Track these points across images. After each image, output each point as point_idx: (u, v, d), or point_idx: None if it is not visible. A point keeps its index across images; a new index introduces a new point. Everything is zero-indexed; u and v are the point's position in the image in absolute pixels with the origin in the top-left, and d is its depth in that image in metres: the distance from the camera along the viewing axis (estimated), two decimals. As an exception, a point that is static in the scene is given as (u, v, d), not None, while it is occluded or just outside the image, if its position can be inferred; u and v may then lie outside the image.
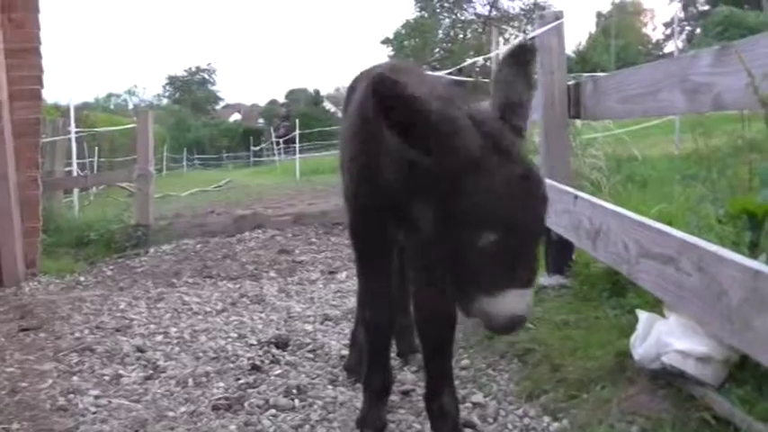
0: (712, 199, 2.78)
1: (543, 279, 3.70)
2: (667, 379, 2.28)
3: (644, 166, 7.30)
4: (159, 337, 3.90)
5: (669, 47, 49.62)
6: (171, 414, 2.81)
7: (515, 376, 2.97)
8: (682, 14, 48.62)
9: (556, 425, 2.44)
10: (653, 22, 60.57)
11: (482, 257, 1.64)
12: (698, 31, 46.25)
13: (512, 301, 1.66)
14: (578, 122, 4.71)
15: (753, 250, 2.11)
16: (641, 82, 2.77)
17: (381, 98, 1.69)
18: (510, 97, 1.86)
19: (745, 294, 1.71)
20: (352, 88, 2.93)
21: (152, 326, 4.16)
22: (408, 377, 3.08)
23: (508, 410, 2.68)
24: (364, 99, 2.19)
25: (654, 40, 56.69)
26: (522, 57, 1.98)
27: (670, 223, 2.60)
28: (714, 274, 1.89)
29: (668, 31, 52.57)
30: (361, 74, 2.96)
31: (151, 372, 3.33)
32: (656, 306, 2.53)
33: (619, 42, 46.73)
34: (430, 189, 1.74)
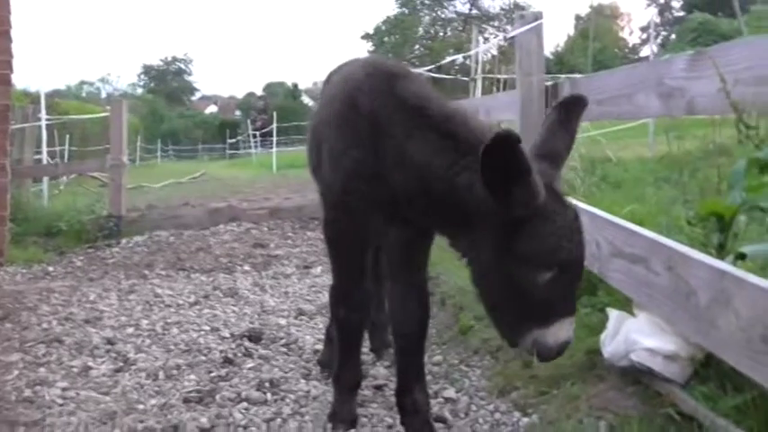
0: (683, 201, 2.82)
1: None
2: (635, 376, 2.32)
3: (618, 168, 7.39)
4: (130, 330, 3.87)
5: (645, 51, 50.23)
6: (141, 407, 2.79)
7: (487, 372, 3.00)
8: (658, 19, 49.23)
9: (526, 420, 2.47)
10: (630, 26, 61.31)
11: (538, 293, 1.81)
12: (673, 36, 46.87)
13: (562, 329, 1.83)
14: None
15: (720, 251, 2.15)
16: (617, 85, 2.80)
17: (504, 150, 1.69)
18: (555, 148, 2.00)
19: (713, 294, 1.75)
20: (328, 80, 2.94)
21: (123, 318, 4.12)
22: (381, 372, 3.10)
23: (479, 406, 2.71)
24: (370, 95, 2.17)
25: (630, 45, 57.34)
26: (573, 108, 2.08)
27: (641, 224, 2.65)
28: (683, 274, 1.93)
29: (644, 36, 53.21)
30: (339, 66, 2.96)
31: (121, 364, 3.30)
32: (626, 305, 2.57)
33: (596, 45, 47.10)
34: (488, 227, 1.86)
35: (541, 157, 1.94)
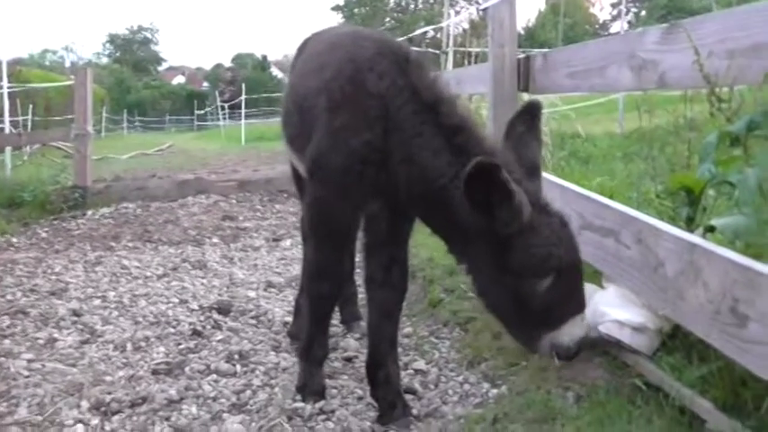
0: (652, 175, 2.84)
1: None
2: (603, 347, 2.35)
3: (587, 143, 7.44)
4: (97, 302, 3.81)
5: (615, 27, 50.49)
6: (108, 378, 2.76)
7: (457, 344, 3.02)
8: (628, -5, 49.39)
9: (495, 391, 2.49)
10: (600, 3, 61.47)
11: (540, 300, 1.89)
12: (643, 13, 47.17)
13: (575, 327, 1.91)
14: (525, 97, 4.75)
15: (689, 225, 2.18)
16: (590, 57, 2.80)
17: (484, 178, 1.76)
18: (533, 160, 2.10)
19: (681, 267, 1.77)
20: (300, 50, 2.88)
21: (89, 290, 4.06)
22: (351, 344, 3.10)
23: (449, 377, 2.73)
24: (382, 76, 2.13)
25: (601, 21, 57.58)
26: (535, 113, 2.17)
27: (611, 198, 2.66)
28: (652, 246, 1.95)
29: (615, 12, 53.43)
30: (313, 35, 2.91)
31: (88, 336, 3.26)
32: (595, 278, 2.59)
33: (567, 21, 47.21)
34: (483, 242, 1.93)
35: (525, 169, 2.01)
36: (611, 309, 2.31)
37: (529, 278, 1.88)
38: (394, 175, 2.14)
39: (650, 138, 3.38)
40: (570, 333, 1.90)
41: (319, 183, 2.34)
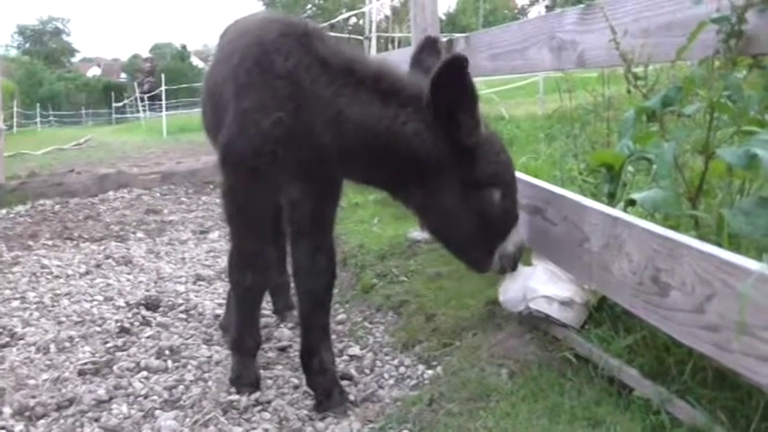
0: (574, 153, 2.92)
1: (416, 233, 3.78)
2: (533, 323, 2.40)
3: (511, 125, 7.58)
4: (15, 303, 3.65)
5: (533, 12, 51.51)
6: (32, 382, 2.65)
7: (391, 328, 3.03)
8: (546, -20, 50.49)
9: (430, 372, 2.51)
10: (519, -13, 62.50)
11: (497, 211, 2.02)
12: (559, -3, 48.24)
13: (516, 234, 2.09)
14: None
15: (611, 200, 2.24)
16: (511, 39, 2.84)
17: (455, 75, 1.85)
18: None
19: (606, 240, 1.82)
20: (223, 37, 2.82)
21: (7, 291, 3.87)
22: (285, 334, 3.07)
23: (384, 361, 2.74)
24: (287, 55, 2.11)
25: (519, 6, 58.70)
26: (434, 46, 2.32)
27: (536, 177, 2.72)
28: (577, 222, 2.01)
29: (533, -3, 54.50)
30: (236, 22, 2.85)
31: (7, 339, 3.11)
32: (523, 255, 2.64)
33: (486, 6, 47.89)
34: (441, 168, 2.00)
35: None
36: (540, 285, 2.36)
37: (490, 187, 2.00)
38: (320, 148, 2.11)
39: (571, 117, 3.47)
40: (514, 241, 2.07)
41: (232, 169, 2.28)
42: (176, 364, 2.79)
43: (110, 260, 4.59)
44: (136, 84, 38.35)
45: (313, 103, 2.08)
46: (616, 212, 1.82)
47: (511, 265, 2.10)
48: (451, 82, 1.85)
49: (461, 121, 1.92)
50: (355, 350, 2.86)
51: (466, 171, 1.98)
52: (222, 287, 3.76)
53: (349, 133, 2.06)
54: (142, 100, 32.01)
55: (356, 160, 2.12)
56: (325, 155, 2.12)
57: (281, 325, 3.20)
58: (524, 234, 2.21)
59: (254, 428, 2.26)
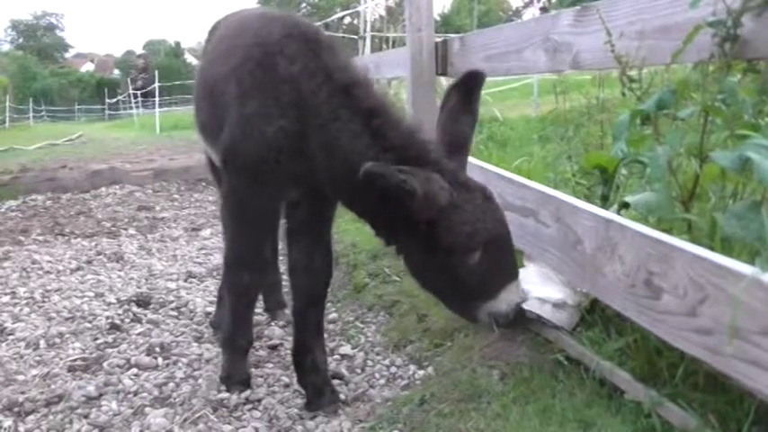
0: (568, 155, 2.92)
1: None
2: (525, 325, 2.40)
3: (504, 127, 7.58)
4: (5, 298, 3.63)
5: (528, 14, 51.62)
6: (21, 378, 2.63)
7: (382, 328, 3.03)
8: (540, -18, 50.56)
9: (421, 372, 2.51)
10: (514, -11, 62.61)
11: (474, 274, 1.87)
12: (554, 0, 48.33)
13: (511, 294, 1.91)
14: (443, 81, 4.79)
15: (604, 203, 2.24)
16: (506, 40, 2.84)
17: (379, 183, 1.76)
18: (460, 133, 2.06)
19: (599, 243, 1.82)
20: (211, 33, 2.81)
21: (-4, 286, 3.86)
22: (276, 332, 3.06)
23: (375, 361, 2.74)
24: (292, 59, 2.06)
25: (514, 7, 58.81)
26: (473, 85, 2.11)
27: (530, 178, 2.72)
28: (570, 224, 2.00)
29: (527, -1, 54.62)
30: (223, 18, 2.84)
31: (-3, 334, 3.10)
32: (516, 257, 2.64)
33: (481, 8, 47.96)
34: (408, 226, 1.90)
35: (447, 145, 1.99)
36: (533, 286, 2.36)
37: (458, 255, 1.87)
38: (313, 161, 2.08)
39: (565, 119, 3.47)
40: (507, 300, 1.90)
41: (235, 172, 2.26)
42: (167, 361, 2.78)
43: (101, 256, 4.57)
44: (129, 80, 38.14)
45: (312, 114, 2.04)
46: (609, 215, 1.82)
47: (504, 323, 1.96)
48: (380, 186, 1.78)
49: (411, 207, 1.82)
50: (347, 349, 2.86)
51: (431, 238, 1.88)
52: (213, 285, 3.74)
53: (335, 159, 2.02)
54: (135, 96, 31.87)
55: (340, 186, 2.08)
56: (318, 173, 2.10)
57: (273, 323, 3.19)
58: (523, 294, 2.04)
59: (243, 427, 2.25)
